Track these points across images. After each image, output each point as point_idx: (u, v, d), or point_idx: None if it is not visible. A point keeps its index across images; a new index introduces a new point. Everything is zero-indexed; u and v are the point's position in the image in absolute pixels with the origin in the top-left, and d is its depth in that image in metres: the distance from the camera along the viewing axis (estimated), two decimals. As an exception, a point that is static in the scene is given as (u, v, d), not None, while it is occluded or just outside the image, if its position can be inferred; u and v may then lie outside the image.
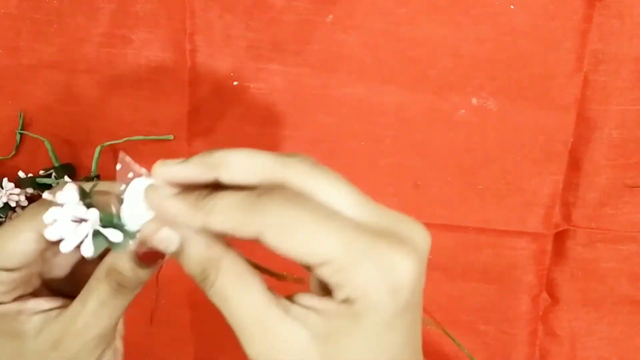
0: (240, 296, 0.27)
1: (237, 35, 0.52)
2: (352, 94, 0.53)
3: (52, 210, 0.29)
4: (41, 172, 0.54)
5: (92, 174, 0.53)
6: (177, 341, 0.58)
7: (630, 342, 0.56)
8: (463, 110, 0.53)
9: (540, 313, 0.56)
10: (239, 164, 0.27)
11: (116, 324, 0.33)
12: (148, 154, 0.54)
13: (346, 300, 0.26)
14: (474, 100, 0.52)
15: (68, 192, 0.29)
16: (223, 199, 0.26)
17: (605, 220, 0.54)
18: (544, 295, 0.56)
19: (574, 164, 0.53)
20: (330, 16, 0.52)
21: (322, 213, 0.26)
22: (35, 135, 0.54)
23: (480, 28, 0.51)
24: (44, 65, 0.53)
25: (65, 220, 0.29)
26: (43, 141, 0.54)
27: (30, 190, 0.54)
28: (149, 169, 0.31)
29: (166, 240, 0.28)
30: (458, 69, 0.52)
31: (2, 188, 0.53)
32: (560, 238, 0.54)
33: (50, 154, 0.54)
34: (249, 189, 0.27)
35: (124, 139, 0.53)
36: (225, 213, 0.26)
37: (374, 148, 0.54)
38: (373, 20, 0.51)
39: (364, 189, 0.55)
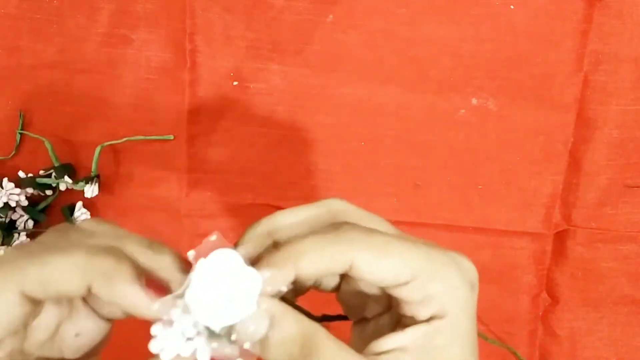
0: None
1: (237, 35, 0.52)
2: (352, 94, 0.53)
3: (158, 329, 0.25)
4: (41, 172, 0.54)
5: (92, 174, 0.53)
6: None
7: (630, 342, 0.56)
8: (463, 110, 0.53)
9: (540, 313, 0.56)
10: (289, 219, 0.28)
11: None
12: (148, 154, 0.54)
13: (435, 316, 0.26)
14: (474, 100, 0.52)
15: (177, 312, 0.25)
16: (304, 243, 0.26)
17: (605, 220, 0.54)
18: (544, 295, 0.56)
19: (574, 164, 0.53)
20: (330, 16, 0.52)
21: (396, 235, 0.27)
22: (35, 135, 0.54)
23: (480, 28, 0.51)
24: (44, 65, 0.53)
25: (175, 341, 0.25)
26: (43, 141, 0.54)
27: (30, 190, 0.54)
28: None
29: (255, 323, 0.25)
30: (458, 69, 0.52)
31: (2, 188, 0.53)
32: (560, 238, 0.54)
33: (50, 154, 0.54)
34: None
35: (124, 139, 0.53)
36: (314, 254, 0.26)
37: (374, 148, 0.54)
38: (373, 20, 0.51)
39: (364, 189, 0.55)
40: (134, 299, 0.25)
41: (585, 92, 0.51)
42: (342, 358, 0.26)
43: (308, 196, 0.54)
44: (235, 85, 0.53)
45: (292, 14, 0.52)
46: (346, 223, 0.27)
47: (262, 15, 0.52)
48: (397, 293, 0.27)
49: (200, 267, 0.25)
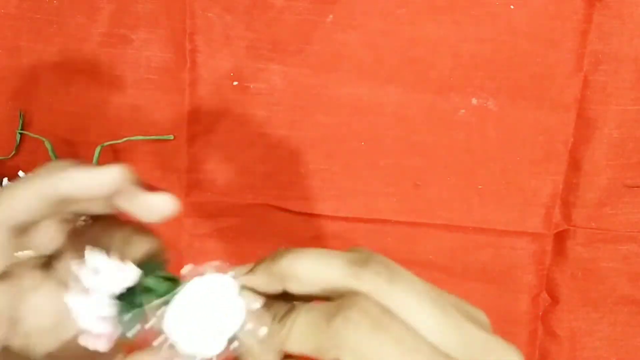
0: None
1: (237, 35, 0.52)
2: (352, 94, 0.53)
3: (74, 297, 0.25)
4: (41, 172, 0.54)
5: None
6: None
7: (630, 342, 0.56)
8: (463, 110, 0.53)
9: (540, 313, 0.56)
10: (308, 275, 0.25)
11: None
12: (148, 154, 0.54)
13: None
14: (474, 100, 0.52)
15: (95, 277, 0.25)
16: (297, 323, 0.25)
17: (605, 220, 0.54)
18: (544, 295, 0.56)
19: (574, 164, 0.53)
20: (330, 16, 0.52)
21: (407, 344, 0.23)
22: (35, 135, 0.54)
23: (480, 28, 0.51)
24: (44, 65, 0.53)
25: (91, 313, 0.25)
26: (43, 141, 0.54)
27: (30, 190, 0.54)
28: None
29: None
30: (458, 69, 0.52)
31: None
32: (560, 238, 0.54)
33: (50, 154, 0.54)
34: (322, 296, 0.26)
35: (124, 139, 0.53)
36: (302, 338, 0.25)
37: (374, 148, 0.54)
38: (373, 20, 0.51)
39: (364, 189, 0.55)
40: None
41: (585, 92, 0.51)
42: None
43: (308, 196, 0.54)
44: (235, 85, 0.53)
45: (292, 14, 0.52)
46: (356, 302, 0.24)
47: (262, 15, 0.52)
48: None
49: (193, 284, 0.25)
